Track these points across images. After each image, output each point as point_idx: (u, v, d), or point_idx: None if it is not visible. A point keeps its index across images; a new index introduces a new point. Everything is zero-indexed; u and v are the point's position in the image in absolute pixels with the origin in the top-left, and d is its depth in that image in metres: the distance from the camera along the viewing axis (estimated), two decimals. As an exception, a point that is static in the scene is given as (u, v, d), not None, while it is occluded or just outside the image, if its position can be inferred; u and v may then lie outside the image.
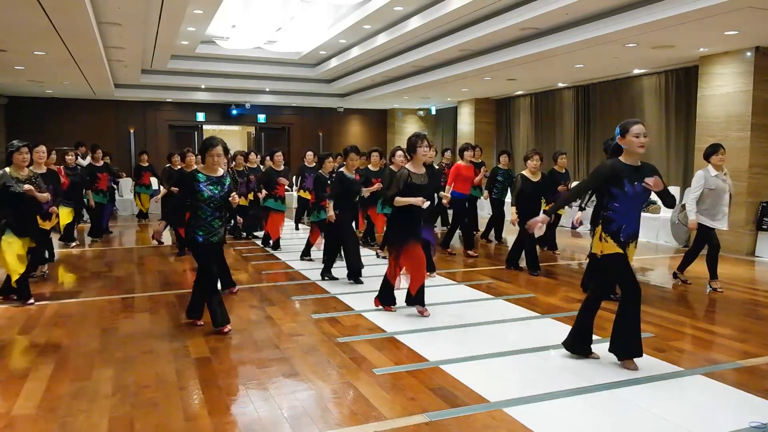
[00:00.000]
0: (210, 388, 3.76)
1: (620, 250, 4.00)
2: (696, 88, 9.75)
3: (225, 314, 4.95)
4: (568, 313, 5.57)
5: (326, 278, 6.97)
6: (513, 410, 3.42)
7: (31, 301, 5.84)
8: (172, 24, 9.70)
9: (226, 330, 4.86)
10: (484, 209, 14.45)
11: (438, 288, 6.52)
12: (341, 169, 6.94)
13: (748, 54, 8.83)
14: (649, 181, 3.91)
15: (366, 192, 7.43)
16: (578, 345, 4.30)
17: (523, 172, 7.27)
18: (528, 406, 3.49)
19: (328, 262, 7.02)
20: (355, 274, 6.80)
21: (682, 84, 10.74)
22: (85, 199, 9.65)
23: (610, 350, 4.16)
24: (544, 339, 4.79)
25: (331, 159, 7.92)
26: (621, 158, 4.01)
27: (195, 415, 3.38)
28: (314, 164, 9.64)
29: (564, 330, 5.05)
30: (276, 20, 11.28)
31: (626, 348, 4.09)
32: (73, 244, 9.57)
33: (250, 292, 6.45)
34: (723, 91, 9.19)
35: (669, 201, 4.12)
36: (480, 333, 4.90)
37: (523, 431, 3.19)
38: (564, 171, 8.59)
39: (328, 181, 7.39)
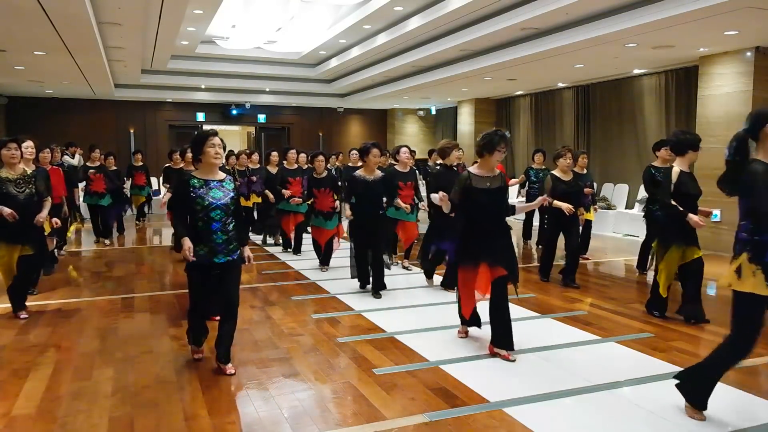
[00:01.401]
0: (210, 388, 3.76)
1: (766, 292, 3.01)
2: (696, 88, 9.74)
3: (200, 338, 4.24)
4: (568, 313, 5.58)
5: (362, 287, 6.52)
6: (513, 410, 3.42)
7: (24, 315, 5.38)
8: (172, 24, 9.70)
9: (195, 356, 4.27)
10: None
11: (438, 288, 6.52)
12: (358, 171, 6.28)
13: (748, 54, 8.83)
14: None
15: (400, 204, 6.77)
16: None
17: (554, 172, 6.72)
18: (528, 406, 3.49)
19: (357, 268, 6.46)
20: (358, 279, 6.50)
21: (682, 84, 10.73)
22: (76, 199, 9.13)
23: (677, 386, 3.42)
24: (544, 339, 4.79)
25: (321, 158, 7.54)
26: (761, 157, 3.08)
27: (195, 415, 3.38)
28: (305, 166, 9.12)
29: (564, 330, 5.07)
30: (276, 20, 11.27)
31: (693, 394, 3.37)
32: (62, 252, 8.83)
33: (250, 292, 6.45)
34: (723, 91, 9.19)
35: None
36: (480, 333, 4.89)
37: (523, 431, 3.20)
38: (585, 171, 8.07)
39: (337, 183, 7.09)
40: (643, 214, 7.13)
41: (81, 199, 9.76)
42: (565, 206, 6.26)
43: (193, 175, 3.96)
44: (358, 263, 6.37)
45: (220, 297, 4.02)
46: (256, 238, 10.04)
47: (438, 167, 6.30)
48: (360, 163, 7.12)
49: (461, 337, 4.81)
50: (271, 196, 8.78)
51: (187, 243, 3.82)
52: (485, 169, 4.37)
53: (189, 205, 3.88)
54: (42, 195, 5.41)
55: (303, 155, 9.24)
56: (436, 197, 4.40)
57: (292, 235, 8.80)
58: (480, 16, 9.21)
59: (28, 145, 5.78)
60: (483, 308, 4.63)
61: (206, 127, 4.43)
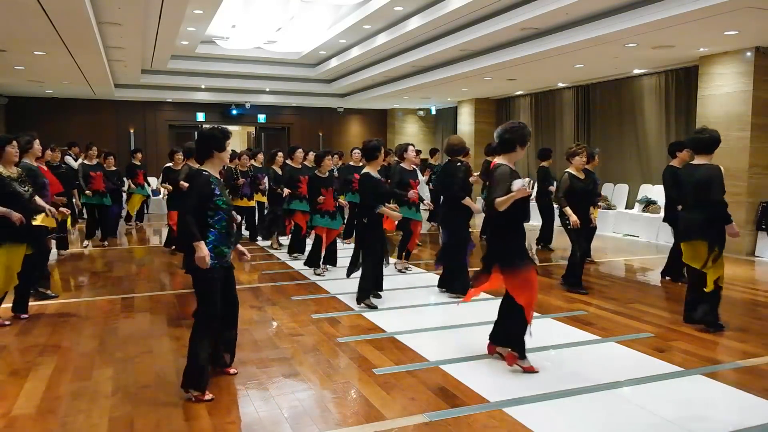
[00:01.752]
0: (210, 388, 3.75)
1: None
2: (696, 88, 9.74)
3: (207, 373, 3.68)
4: (568, 313, 5.58)
5: (365, 304, 5.81)
6: (513, 410, 3.42)
7: (26, 315, 5.37)
8: (172, 24, 9.70)
9: (206, 398, 3.59)
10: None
11: (436, 286, 6.52)
12: (368, 170, 5.80)
13: (748, 54, 8.84)
14: None
15: (413, 194, 6.67)
16: None
17: (570, 170, 6.55)
18: (528, 406, 3.49)
19: (371, 274, 5.89)
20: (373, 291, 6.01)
21: (682, 84, 10.73)
22: (73, 200, 8.89)
23: None
24: (544, 339, 4.78)
25: (329, 158, 7.43)
26: None
27: (195, 415, 3.38)
28: (311, 164, 8.94)
29: (564, 330, 5.07)
30: (276, 20, 11.27)
31: None
32: (62, 253, 8.81)
33: (250, 292, 6.45)
34: (723, 91, 9.19)
35: None
36: (480, 333, 4.89)
37: (523, 431, 3.20)
38: (593, 171, 7.69)
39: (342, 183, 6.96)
40: (664, 218, 7.06)
41: (80, 199, 9.71)
42: (573, 220, 6.23)
43: (211, 173, 3.67)
44: (374, 269, 5.84)
45: (225, 301, 3.78)
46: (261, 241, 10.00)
47: (460, 164, 6.23)
48: (362, 163, 7.06)
49: (528, 371, 4.06)
50: (285, 191, 8.46)
51: (205, 249, 3.51)
52: (512, 164, 4.14)
53: (211, 205, 3.59)
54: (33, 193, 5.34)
55: (312, 154, 8.99)
56: (520, 184, 3.82)
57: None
58: (480, 16, 9.21)
59: (38, 142, 5.79)
60: (488, 308, 4.62)
61: (206, 128, 4.14)
